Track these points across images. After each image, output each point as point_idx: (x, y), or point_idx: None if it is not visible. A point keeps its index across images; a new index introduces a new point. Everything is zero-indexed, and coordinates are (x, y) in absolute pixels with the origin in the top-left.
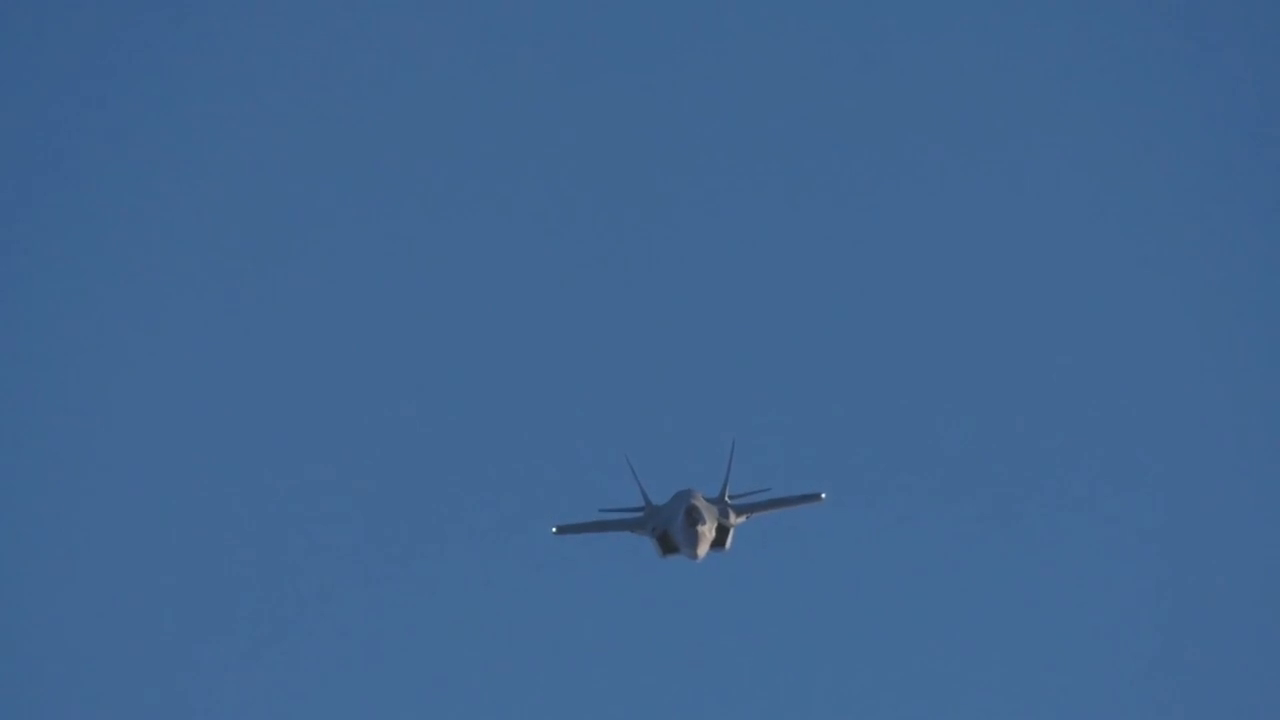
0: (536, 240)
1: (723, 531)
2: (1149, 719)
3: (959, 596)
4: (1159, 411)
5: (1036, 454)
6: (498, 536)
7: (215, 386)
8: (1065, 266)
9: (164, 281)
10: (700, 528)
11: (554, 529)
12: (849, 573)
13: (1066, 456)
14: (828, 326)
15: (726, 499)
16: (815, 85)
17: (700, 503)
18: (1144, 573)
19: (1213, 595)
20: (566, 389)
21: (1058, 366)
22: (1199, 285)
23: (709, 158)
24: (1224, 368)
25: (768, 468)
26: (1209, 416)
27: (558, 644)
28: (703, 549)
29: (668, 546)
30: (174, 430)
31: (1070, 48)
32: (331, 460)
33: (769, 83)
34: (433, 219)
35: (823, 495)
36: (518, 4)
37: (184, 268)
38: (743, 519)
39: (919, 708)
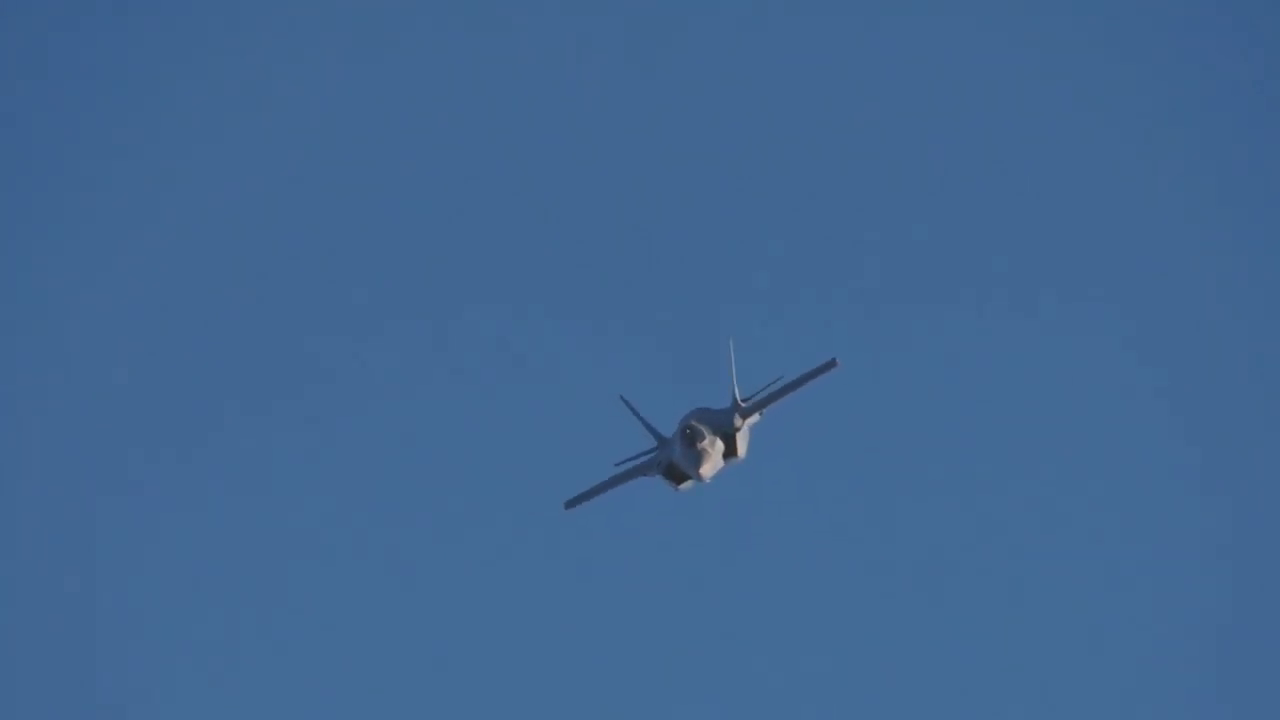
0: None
1: (729, 440)
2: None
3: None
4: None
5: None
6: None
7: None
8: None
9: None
10: (701, 444)
11: (564, 504)
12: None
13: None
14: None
15: (740, 403)
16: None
17: (699, 420)
18: None
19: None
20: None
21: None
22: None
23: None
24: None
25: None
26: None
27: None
28: (709, 467)
29: (677, 477)
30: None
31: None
32: (328, 450)
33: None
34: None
35: (837, 361)
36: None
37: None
38: (752, 418)
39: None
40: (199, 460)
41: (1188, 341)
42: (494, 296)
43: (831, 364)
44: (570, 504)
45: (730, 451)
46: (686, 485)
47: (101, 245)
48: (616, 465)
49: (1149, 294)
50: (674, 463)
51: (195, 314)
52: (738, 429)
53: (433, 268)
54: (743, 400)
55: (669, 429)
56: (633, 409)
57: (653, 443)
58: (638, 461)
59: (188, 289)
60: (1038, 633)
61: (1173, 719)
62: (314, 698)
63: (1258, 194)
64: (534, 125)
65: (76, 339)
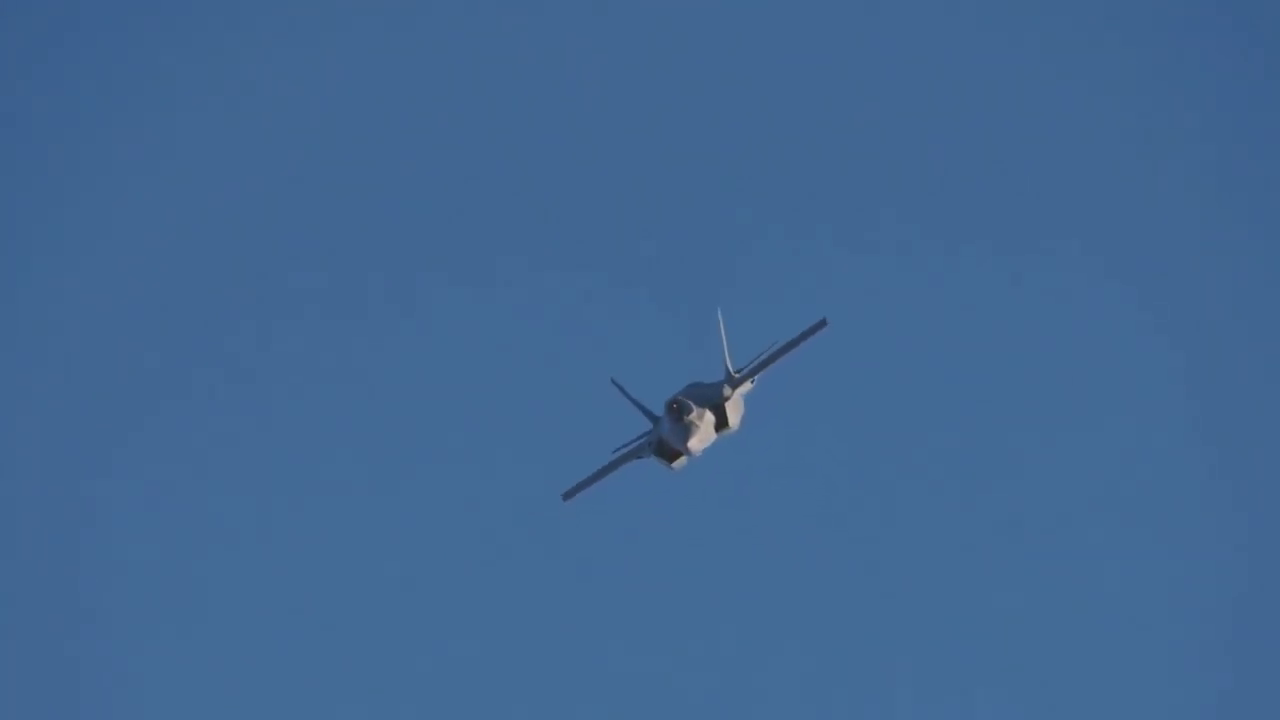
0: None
1: (719, 411)
2: None
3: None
4: None
5: None
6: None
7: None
8: None
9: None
10: (689, 418)
11: (562, 496)
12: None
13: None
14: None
15: (732, 374)
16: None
17: (687, 395)
18: None
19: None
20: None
21: None
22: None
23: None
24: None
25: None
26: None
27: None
28: (697, 440)
29: (669, 455)
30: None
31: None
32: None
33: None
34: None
35: (826, 321)
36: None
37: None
38: (744, 387)
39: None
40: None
41: (1184, 297)
42: (475, 278)
43: (821, 324)
44: (568, 495)
45: (722, 423)
46: (680, 462)
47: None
48: (614, 452)
49: (1144, 247)
50: (664, 439)
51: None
52: (727, 399)
53: (414, 246)
54: (735, 371)
55: (663, 408)
56: (624, 391)
57: (647, 425)
58: (632, 445)
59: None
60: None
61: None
62: (305, 688)
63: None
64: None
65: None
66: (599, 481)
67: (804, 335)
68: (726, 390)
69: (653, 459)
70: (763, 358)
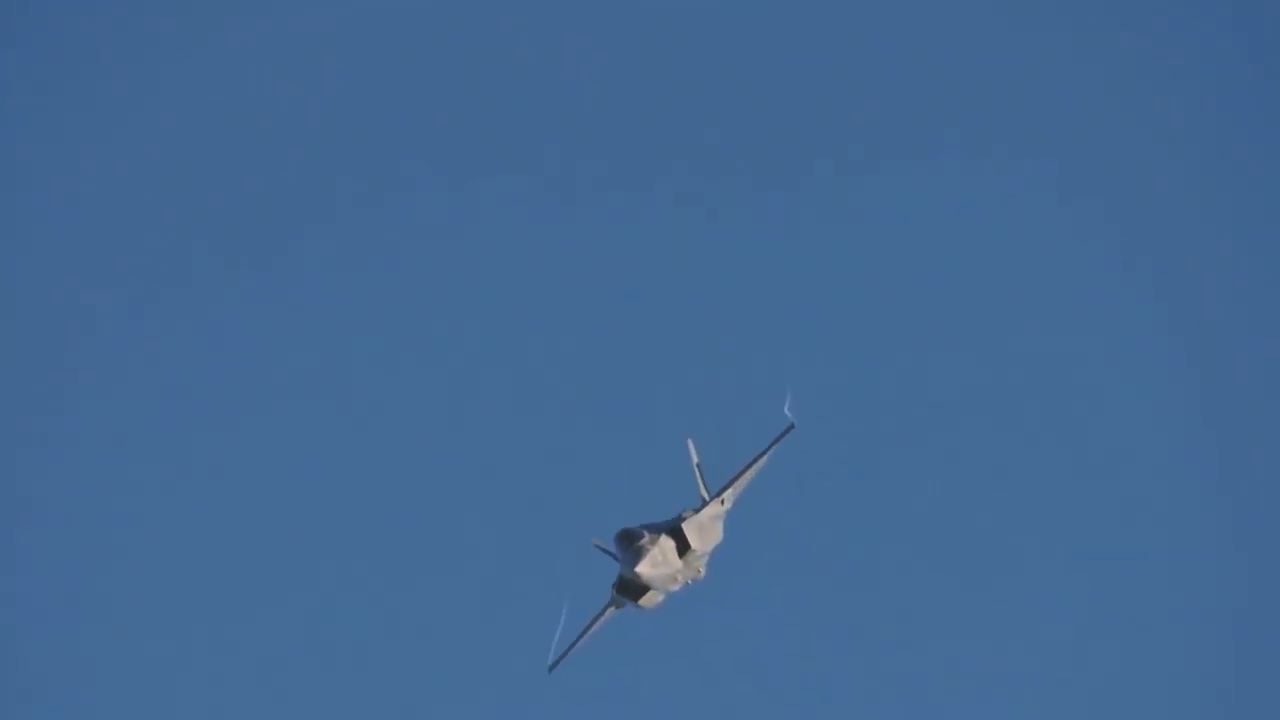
0: None
1: (678, 534)
2: None
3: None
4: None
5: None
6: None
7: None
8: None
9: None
10: (639, 544)
11: (548, 669)
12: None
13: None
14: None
15: (708, 500)
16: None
17: (640, 528)
18: None
19: None
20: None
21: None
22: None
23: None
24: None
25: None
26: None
27: None
28: (650, 565)
29: (632, 591)
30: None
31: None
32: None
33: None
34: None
35: (791, 420)
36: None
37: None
38: (712, 508)
39: None
40: None
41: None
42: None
43: (790, 428)
44: (553, 666)
45: (684, 546)
46: (651, 599)
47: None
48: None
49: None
50: (621, 574)
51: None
52: (683, 519)
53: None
54: (714, 497)
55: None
56: (604, 547)
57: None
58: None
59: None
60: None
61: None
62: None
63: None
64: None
65: None
66: (581, 642)
67: (773, 442)
68: (686, 513)
69: (625, 605)
70: (733, 476)
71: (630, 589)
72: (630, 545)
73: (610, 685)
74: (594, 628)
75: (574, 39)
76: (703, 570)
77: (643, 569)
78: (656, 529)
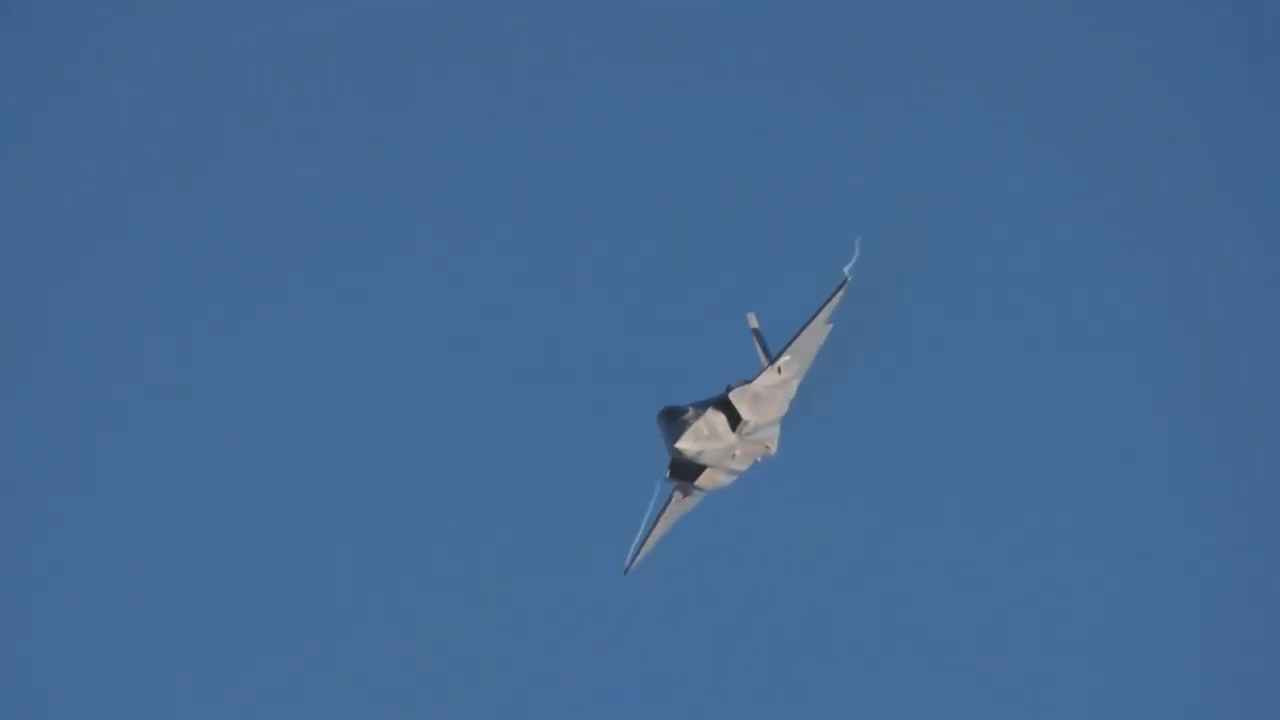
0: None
1: (726, 406)
2: None
3: None
4: None
5: None
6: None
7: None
8: None
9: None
10: (684, 418)
11: (625, 569)
12: None
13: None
14: None
15: (766, 368)
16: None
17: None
18: None
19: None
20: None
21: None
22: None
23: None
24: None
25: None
26: None
27: None
28: (692, 440)
29: (687, 473)
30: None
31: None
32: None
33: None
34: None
35: (847, 274)
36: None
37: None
38: (768, 377)
39: None
40: None
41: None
42: None
43: (843, 284)
44: (628, 568)
45: (735, 419)
46: (709, 479)
47: None
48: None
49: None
50: (672, 458)
51: None
52: (731, 389)
53: None
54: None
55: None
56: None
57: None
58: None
59: None
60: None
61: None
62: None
63: None
64: None
65: None
66: (651, 538)
67: (826, 300)
68: (737, 386)
69: (690, 491)
70: (788, 341)
71: (683, 470)
72: (673, 421)
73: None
74: (662, 522)
75: None
76: (774, 446)
77: (684, 444)
78: (704, 405)
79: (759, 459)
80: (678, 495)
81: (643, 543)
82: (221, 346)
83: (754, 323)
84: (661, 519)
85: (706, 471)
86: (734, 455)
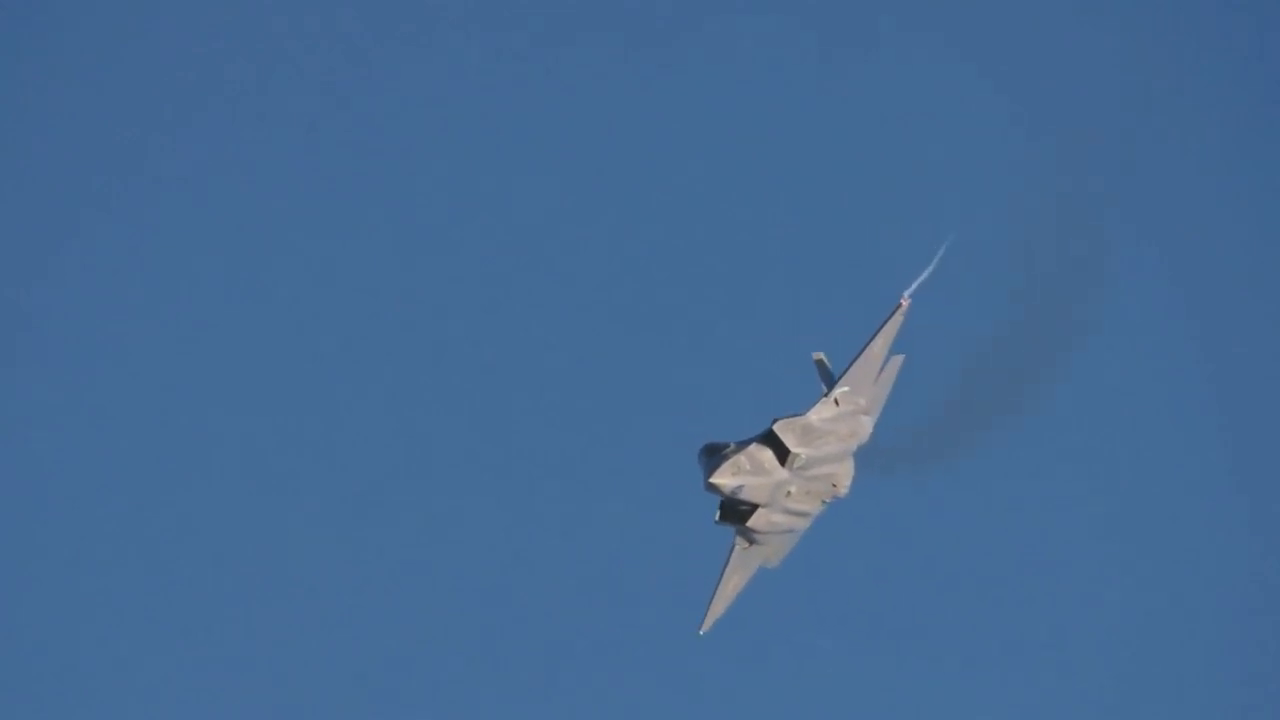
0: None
1: (772, 440)
2: None
3: None
4: None
5: None
6: None
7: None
8: None
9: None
10: (725, 452)
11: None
12: None
13: None
14: None
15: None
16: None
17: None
18: None
19: None
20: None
21: None
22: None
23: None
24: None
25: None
26: None
27: None
28: (731, 474)
29: (736, 515)
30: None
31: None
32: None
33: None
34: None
35: (905, 299)
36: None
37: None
38: (824, 409)
39: None
40: None
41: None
42: None
43: (898, 307)
44: (705, 628)
45: (782, 454)
46: (763, 521)
47: None
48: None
49: None
50: (720, 502)
51: None
52: (776, 421)
53: None
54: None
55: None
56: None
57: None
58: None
59: None
60: None
61: None
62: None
63: None
64: None
65: None
66: (730, 596)
67: (882, 324)
68: (781, 419)
69: (752, 540)
70: (844, 369)
71: (732, 511)
72: (712, 457)
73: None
74: (736, 577)
75: None
76: (845, 486)
77: (719, 478)
78: (748, 441)
79: (827, 500)
80: (741, 544)
81: (717, 600)
82: (204, 338)
83: (821, 358)
84: (733, 573)
85: (760, 513)
86: (790, 493)
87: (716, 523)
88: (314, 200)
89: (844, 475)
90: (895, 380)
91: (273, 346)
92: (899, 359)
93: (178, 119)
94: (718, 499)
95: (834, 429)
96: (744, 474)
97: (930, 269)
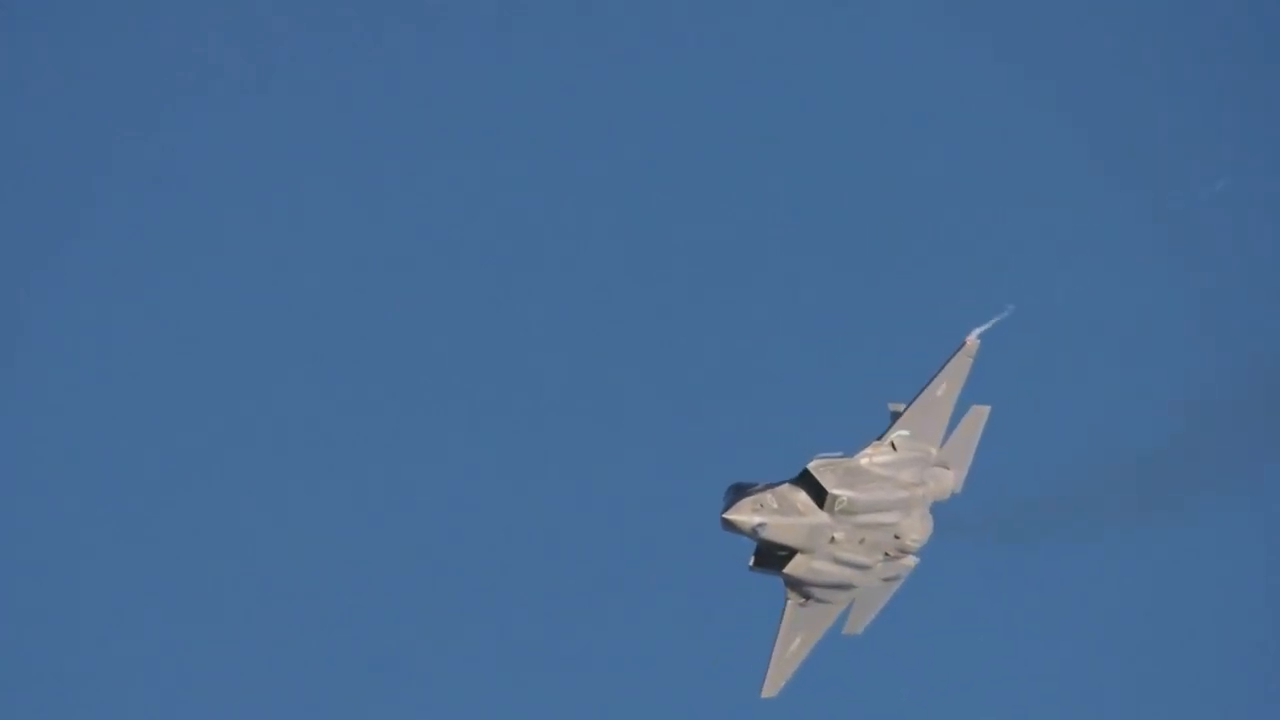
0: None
1: (809, 481)
2: None
3: None
4: None
5: None
6: None
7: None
8: None
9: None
10: (751, 489)
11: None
12: None
13: None
14: None
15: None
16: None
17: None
18: None
19: None
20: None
21: None
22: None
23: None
24: None
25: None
26: None
27: None
28: (750, 510)
29: (772, 562)
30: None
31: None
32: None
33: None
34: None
35: (973, 338)
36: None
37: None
38: (877, 452)
39: None
40: None
41: None
42: None
43: (960, 348)
44: (771, 693)
45: (819, 496)
46: (803, 568)
47: None
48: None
49: None
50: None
51: None
52: (809, 464)
53: None
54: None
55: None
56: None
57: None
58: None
59: None
60: None
61: None
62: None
63: None
64: None
65: None
66: (795, 660)
67: (942, 365)
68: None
69: (805, 595)
70: (902, 413)
71: (768, 557)
72: (737, 496)
73: None
74: (800, 638)
75: None
76: (911, 540)
77: (733, 514)
78: (782, 481)
79: (892, 554)
80: (795, 599)
81: (777, 661)
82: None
83: (898, 409)
84: (793, 633)
85: (799, 559)
86: (834, 539)
87: (750, 569)
88: (314, 200)
89: (911, 529)
90: (981, 433)
91: (273, 347)
92: (983, 410)
93: (178, 119)
94: (753, 544)
95: (891, 475)
96: (769, 512)
97: (1004, 314)
